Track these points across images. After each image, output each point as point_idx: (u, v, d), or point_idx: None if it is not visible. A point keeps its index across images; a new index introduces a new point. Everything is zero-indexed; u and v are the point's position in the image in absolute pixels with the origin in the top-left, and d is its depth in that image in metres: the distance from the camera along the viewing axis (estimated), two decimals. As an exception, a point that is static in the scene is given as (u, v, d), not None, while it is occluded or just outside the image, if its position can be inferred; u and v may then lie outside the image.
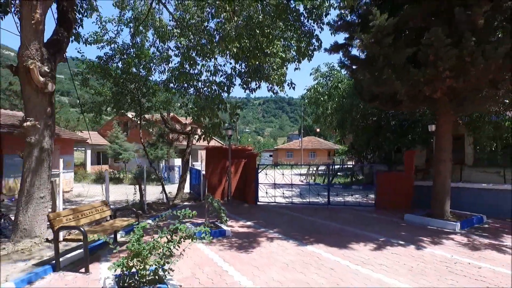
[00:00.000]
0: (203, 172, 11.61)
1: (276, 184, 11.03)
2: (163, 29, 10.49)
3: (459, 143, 15.06)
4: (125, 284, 3.80)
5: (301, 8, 8.59)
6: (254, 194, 10.68)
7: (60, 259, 4.80)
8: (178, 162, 22.01)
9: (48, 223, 5.00)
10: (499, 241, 6.00)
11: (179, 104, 11.07)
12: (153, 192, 13.34)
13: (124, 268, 3.81)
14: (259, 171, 10.88)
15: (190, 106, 8.44)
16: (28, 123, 6.21)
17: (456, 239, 6.23)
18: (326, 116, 17.20)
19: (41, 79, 6.21)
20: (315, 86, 16.69)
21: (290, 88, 8.36)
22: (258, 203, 10.73)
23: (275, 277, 4.40)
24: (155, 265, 3.83)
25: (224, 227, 6.82)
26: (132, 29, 10.68)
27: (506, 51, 5.76)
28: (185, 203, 10.87)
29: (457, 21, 5.84)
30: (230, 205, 10.38)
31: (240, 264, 4.94)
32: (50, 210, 6.78)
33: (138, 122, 11.27)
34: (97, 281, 4.35)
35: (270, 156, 53.07)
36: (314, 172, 21.45)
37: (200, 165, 12.30)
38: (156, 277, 3.91)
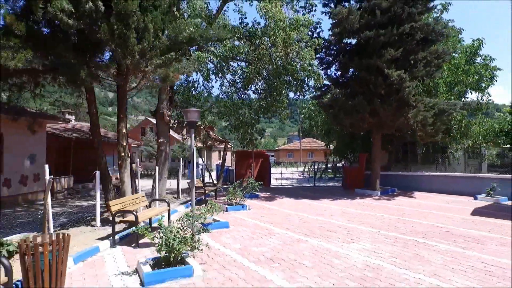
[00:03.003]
0: (232, 168, 17.90)
1: (282, 175, 17.36)
2: (206, 73, 16.67)
3: (414, 147, 21.39)
4: (229, 204, 10.11)
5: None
6: (269, 180, 17.02)
7: (189, 202, 11.10)
8: (200, 160, 28.60)
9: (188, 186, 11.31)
10: (393, 198, 12.34)
11: (223, 123, 17.36)
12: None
13: (228, 199, 10.15)
14: (271, 166, 17.21)
15: (234, 125, 14.76)
16: (161, 140, 12.50)
17: (373, 197, 12.56)
18: (317, 127, 23.49)
19: (167, 118, 12.50)
20: (309, 105, 22.97)
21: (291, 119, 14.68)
22: (271, 186, 17.07)
23: (286, 207, 10.68)
24: (241, 198, 10.15)
25: (257, 193, 13.10)
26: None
27: (396, 106, 12.05)
28: (224, 186, 17.20)
29: (372, 91, 12.15)
30: (253, 187, 16.68)
31: (270, 204, 11.24)
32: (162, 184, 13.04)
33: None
34: (212, 207, 10.62)
35: (272, 156, 59.25)
36: (310, 169, 27.77)
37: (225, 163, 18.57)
38: (240, 204, 10.20)
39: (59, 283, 3.90)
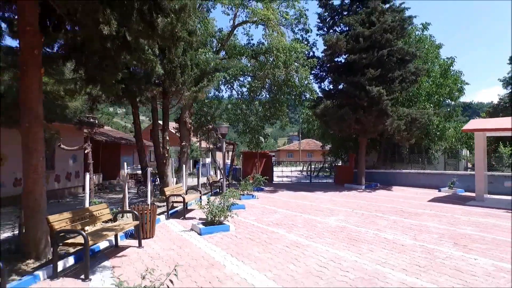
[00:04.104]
0: (237, 167, 20.63)
1: (283, 173, 20.07)
2: (217, 83, 19.37)
3: (400, 148, 24.05)
4: (241, 194, 12.82)
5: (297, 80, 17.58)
6: (271, 177, 19.73)
7: (208, 193, 13.81)
8: (207, 160, 31.42)
9: (207, 181, 14.02)
10: (374, 191, 15.04)
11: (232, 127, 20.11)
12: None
13: (240, 190, 12.88)
14: (273, 165, 19.93)
15: (242, 131, 17.50)
16: (183, 143, 15.21)
17: (358, 190, 15.27)
18: (314, 130, 26.19)
19: (189, 125, 15.22)
20: (307, 111, 25.64)
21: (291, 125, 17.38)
22: (273, 182, 19.78)
23: (286, 197, 13.40)
24: (251, 190, 12.87)
25: (262, 187, 15.80)
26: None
27: (376, 115, 14.74)
28: (234, 182, 19.92)
29: (357, 103, 14.84)
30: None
31: (274, 195, 13.95)
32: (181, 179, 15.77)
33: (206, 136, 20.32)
34: (227, 197, 13.35)
35: (273, 156, 61.95)
36: (308, 168, 30.47)
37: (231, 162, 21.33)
38: (250, 194, 12.92)
39: (153, 232, 6.63)
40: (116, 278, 4.18)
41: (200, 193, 10.23)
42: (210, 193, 13.92)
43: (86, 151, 8.23)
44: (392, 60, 15.03)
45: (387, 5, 16.39)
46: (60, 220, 4.59)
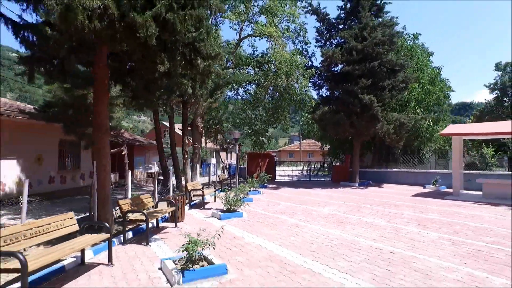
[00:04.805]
0: (242, 167, 22.40)
1: (284, 172, 21.83)
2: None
3: (393, 149, 25.76)
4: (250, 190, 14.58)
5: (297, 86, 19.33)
6: (274, 175, 21.49)
7: (218, 190, 15.57)
8: (212, 160, 33.27)
9: (218, 178, 15.79)
10: (366, 187, 16.77)
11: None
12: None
13: (248, 187, 14.64)
14: (275, 165, 21.68)
15: (247, 133, 19.27)
16: (196, 145, 16.98)
17: (352, 187, 17.01)
18: (313, 132, 27.94)
19: (200, 129, 16.98)
20: (306, 114, 27.38)
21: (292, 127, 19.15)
22: (276, 180, 21.54)
23: (288, 192, 15.15)
24: (256, 186, 14.63)
25: (266, 185, 17.54)
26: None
27: (368, 120, 16.48)
28: (240, 180, 21.65)
29: (351, 109, 16.57)
30: (262, 181, 21.18)
31: (277, 191, 15.70)
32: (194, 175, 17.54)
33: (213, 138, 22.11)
34: (236, 193, 15.11)
35: (275, 156, 63.71)
36: (308, 167, 32.20)
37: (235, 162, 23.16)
38: (256, 190, 14.67)
39: (183, 217, 8.39)
40: (182, 235, 5.95)
41: (215, 188, 11.98)
42: (220, 190, 15.68)
43: (123, 153, 9.98)
44: (382, 70, 16.75)
45: (380, 20, 18.15)
46: (125, 204, 6.36)
